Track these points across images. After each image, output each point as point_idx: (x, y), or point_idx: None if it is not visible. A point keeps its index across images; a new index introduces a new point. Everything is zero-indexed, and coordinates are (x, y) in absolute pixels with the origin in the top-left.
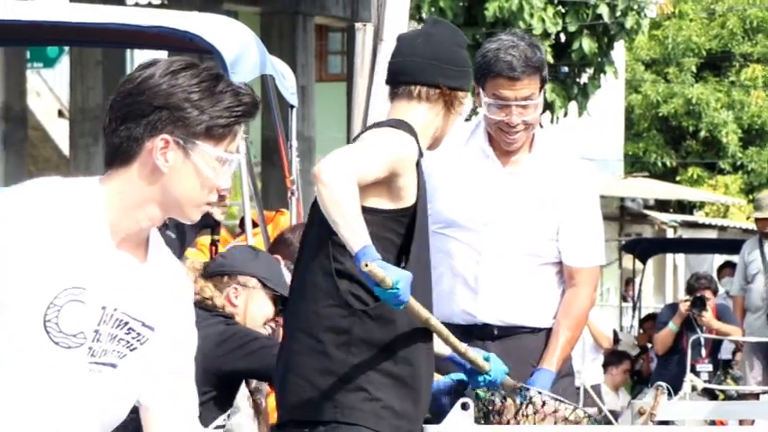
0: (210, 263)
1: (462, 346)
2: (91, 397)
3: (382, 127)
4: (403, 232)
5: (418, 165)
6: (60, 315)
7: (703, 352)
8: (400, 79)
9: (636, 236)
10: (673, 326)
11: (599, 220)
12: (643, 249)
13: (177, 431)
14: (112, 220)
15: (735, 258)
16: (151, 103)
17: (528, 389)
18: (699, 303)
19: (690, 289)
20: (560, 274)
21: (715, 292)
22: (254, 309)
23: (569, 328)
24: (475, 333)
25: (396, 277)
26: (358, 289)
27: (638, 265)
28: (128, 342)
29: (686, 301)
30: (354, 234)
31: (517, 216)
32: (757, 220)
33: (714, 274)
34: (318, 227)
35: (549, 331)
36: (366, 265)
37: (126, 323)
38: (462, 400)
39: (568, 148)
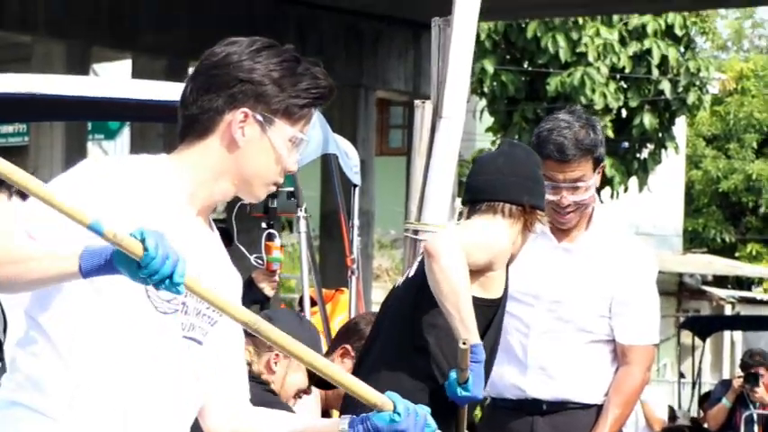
0: None
1: None
2: (186, 370)
3: (477, 220)
4: (486, 323)
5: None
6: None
7: (756, 429)
8: (484, 197)
9: (694, 311)
10: (726, 401)
11: (654, 298)
12: (702, 326)
13: (240, 414)
14: (189, 191)
15: None
16: (236, 75)
17: None
18: (752, 379)
19: (744, 366)
20: (614, 351)
21: None
22: (291, 379)
23: (618, 406)
24: (525, 408)
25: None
26: (434, 368)
27: (696, 341)
28: (209, 317)
29: (740, 377)
30: (469, 332)
31: (568, 292)
32: None
33: None
34: (401, 305)
35: (600, 408)
36: (464, 343)
37: None
38: None
39: (625, 225)
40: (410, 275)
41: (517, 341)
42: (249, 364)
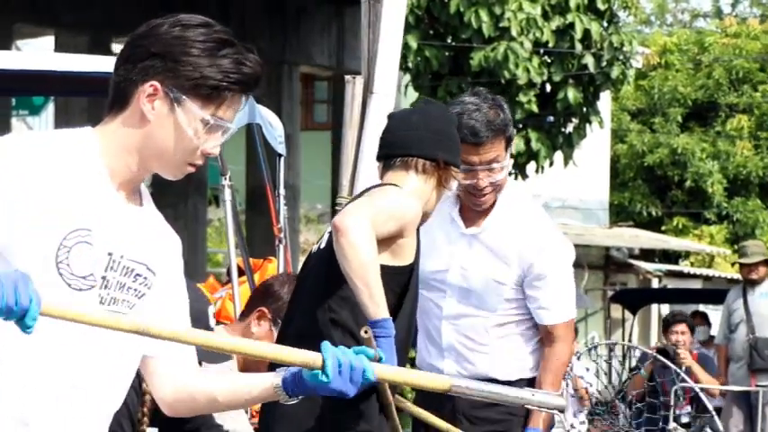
0: None
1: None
2: (104, 345)
3: (388, 187)
4: (398, 290)
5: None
6: (71, 256)
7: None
8: (397, 152)
9: (621, 285)
10: (643, 372)
11: (567, 274)
12: (632, 299)
13: (185, 376)
14: (109, 165)
15: (708, 309)
16: (150, 48)
17: None
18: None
19: (666, 323)
20: (528, 330)
21: (692, 329)
22: None
23: (551, 385)
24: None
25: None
26: (350, 340)
27: (625, 314)
28: (135, 290)
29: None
30: (378, 307)
31: (475, 279)
32: (741, 267)
33: None
34: (315, 277)
35: (519, 383)
36: (366, 332)
37: (132, 270)
38: None
39: (529, 201)
40: (321, 246)
41: (433, 324)
42: None
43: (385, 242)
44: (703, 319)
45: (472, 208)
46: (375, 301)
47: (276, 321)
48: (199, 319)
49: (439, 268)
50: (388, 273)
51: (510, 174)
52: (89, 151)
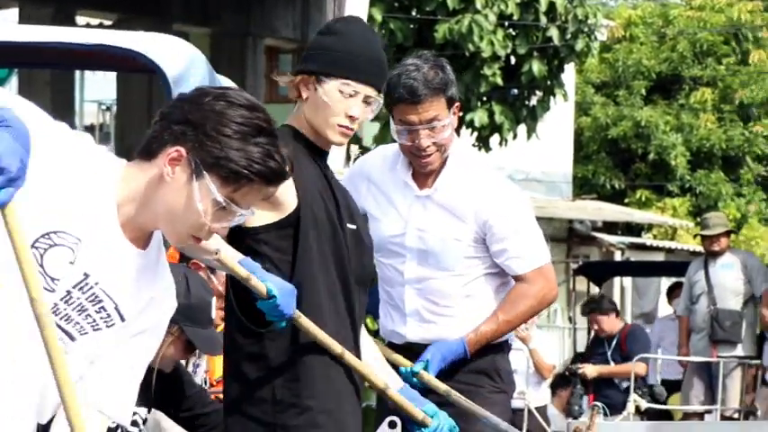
0: None
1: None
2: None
3: None
4: (292, 239)
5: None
6: (49, 251)
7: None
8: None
9: (584, 257)
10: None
11: (529, 222)
12: (597, 272)
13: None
14: (119, 201)
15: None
16: (187, 114)
17: None
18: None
19: (582, 311)
20: (498, 287)
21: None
22: (167, 353)
23: (504, 313)
24: (412, 349)
25: (271, 286)
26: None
27: (582, 287)
28: (94, 321)
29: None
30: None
31: (432, 241)
32: (703, 239)
33: (663, 296)
34: None
35: (492, 346)
36: (217, 253)
37: (100, 301)
38: (390, 418)
39: (477, 158)
40: None
41: (396, 291)
42: None
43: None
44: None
45: (418, 170)
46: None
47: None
48: (203, 309)
49: (396, 232)
50: (273, 228)
51: (473, 146)
52: (109, 181)
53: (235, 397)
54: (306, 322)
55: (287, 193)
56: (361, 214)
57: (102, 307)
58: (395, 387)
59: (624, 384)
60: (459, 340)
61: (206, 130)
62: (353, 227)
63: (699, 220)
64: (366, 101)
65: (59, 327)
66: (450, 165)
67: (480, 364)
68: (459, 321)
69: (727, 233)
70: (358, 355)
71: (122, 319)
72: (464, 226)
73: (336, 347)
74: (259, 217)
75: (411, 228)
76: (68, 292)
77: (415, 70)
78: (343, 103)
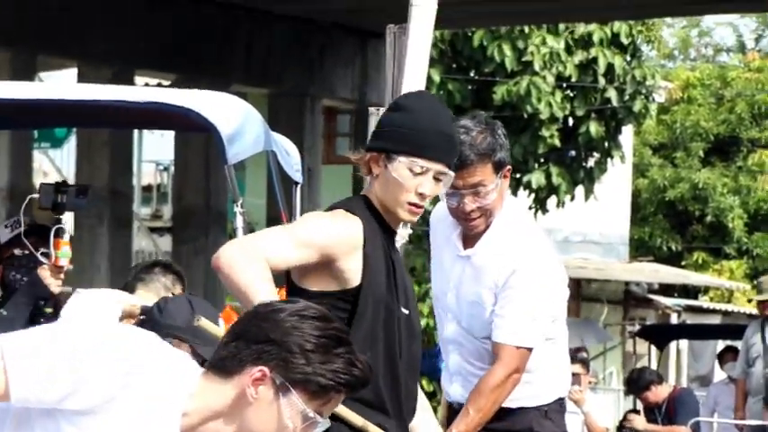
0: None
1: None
2: None
3: (315, 212)
4: (344, 316)
5: (368, 245)
6: None
7: None
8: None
9: (640, 320)
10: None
11: (531, 298)
12: (658, 335)
13: None
14: (186, 412)
15: (738, 343)
16: (267, 333)
17: None
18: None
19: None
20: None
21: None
22: None
23: (473, 403)
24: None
25: None
26: None
27: (640, 349)
28: None
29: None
30: (259, 293)
31: (464, 303)
32: (759, 303)
33: (715, 360)
34: None
35: (530, 410)
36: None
37: None
38: None
39: (525, 222)
40: None
41: (444, 348)
42: None
43: (322, 270)
44: (736, 354)
45: (465, 232)
46: (257, 288)
47: None
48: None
49: (442, 289)
50: (332, 297)
51: (530, 208)
52: (179, 395)
53: None
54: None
55: (354, 270)
56: (414, 300)
57: None
58: None
59: None
60: None
61: (289, 347)
62: (407, 312)
63: (755, 282)
64: (437, 177)
65: None
66: (494, 227)
67: (517, 426)
68: None
69: None
70: None
71: None
72: (488, 291)
73: (358, 420)
74: (319, 281)
75: (451, 287)
76: None
77: (465, 133)
78: (413, 181)
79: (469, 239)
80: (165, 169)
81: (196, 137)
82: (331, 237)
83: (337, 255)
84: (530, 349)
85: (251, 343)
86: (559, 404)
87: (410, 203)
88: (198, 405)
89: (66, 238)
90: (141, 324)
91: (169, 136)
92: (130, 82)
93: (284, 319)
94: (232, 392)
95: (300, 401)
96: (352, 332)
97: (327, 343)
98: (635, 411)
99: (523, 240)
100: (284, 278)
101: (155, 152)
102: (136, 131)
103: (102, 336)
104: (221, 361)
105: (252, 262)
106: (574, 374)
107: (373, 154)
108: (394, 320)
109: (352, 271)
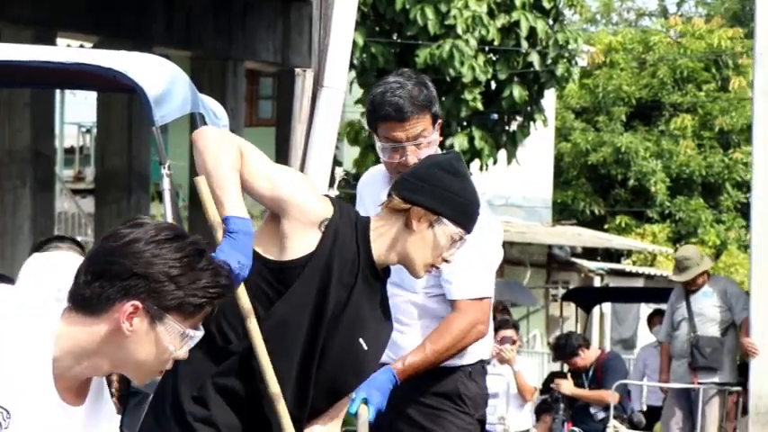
0: None
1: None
2: None
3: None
4: (280, 290)
5: (329, 230)
6: None
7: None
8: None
9: (563, 283)
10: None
11: (479, 250)
12: (586, 298)
13: None
14: (56, 357)
15: (664, 306)
16: (131, 268)
17: None
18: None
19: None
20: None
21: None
22: None
23: (432, 345)
24: None
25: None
26: None
27: (565, 312)
28: None
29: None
30: (224, 206)
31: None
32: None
33: (643, 323)
34: None
35: (455, 369)
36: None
37: None
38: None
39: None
40: None
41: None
42: None
43: (274, 235)
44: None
45: None
46: (222, 200)
47: None
48: None
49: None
50: (266, 267)
51: None
52: (43, 339)
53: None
54: (257, 334)
55: (295, 240)
56: (376, 344)
57: None
58: None
59: (600, 415)
60: (386, 370)
61: (156, 277)
62: (363, 344)
63: (678, 246)
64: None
65: None
66: None
67: (443, 388)
68: (414, 342)
69: (701, 272)
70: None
71: None
72: None
73: (275, 387)
74: (267, 243)
75: None
76: None
77: (400, 88)
78: (448, 247)
79: None
80: (88, 131)
81: (119, 99)
82: (296, 195)
83: (288, 213)
84: (489, 298)
85: (115, 280)
86: (482, 365)
87: (432, 265)
88: (67, 347)
89: None
90: None
91: (92, 98)
92: (52, 43)
93: (142, 250)
94: (104, 328)
95: (178, 324)
96: (276, 307)
97: (190, 261)
98: (562, 375)
99: None
100: None
101: (77, 114)
102: (58, 93)
103: None
104: (86, 301)
105: (220, 147)
106: (506, 337)
107: (420, 210)
108: (321, 327)
109: (293, 241)
